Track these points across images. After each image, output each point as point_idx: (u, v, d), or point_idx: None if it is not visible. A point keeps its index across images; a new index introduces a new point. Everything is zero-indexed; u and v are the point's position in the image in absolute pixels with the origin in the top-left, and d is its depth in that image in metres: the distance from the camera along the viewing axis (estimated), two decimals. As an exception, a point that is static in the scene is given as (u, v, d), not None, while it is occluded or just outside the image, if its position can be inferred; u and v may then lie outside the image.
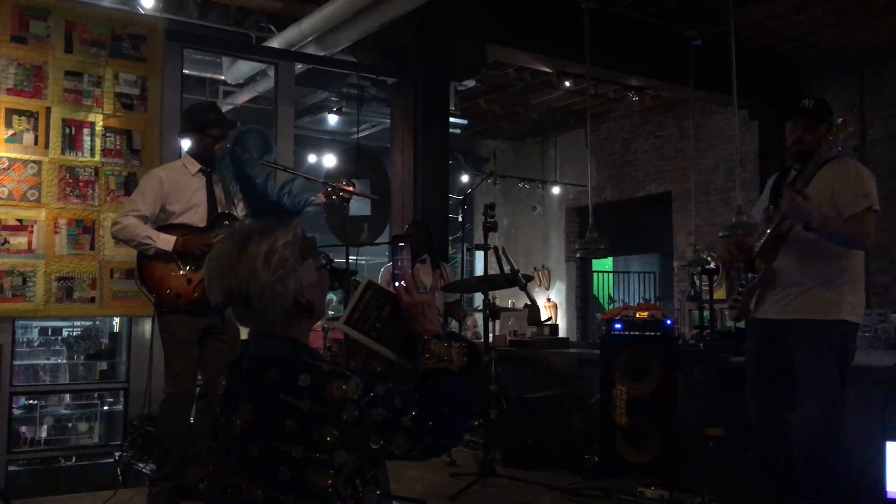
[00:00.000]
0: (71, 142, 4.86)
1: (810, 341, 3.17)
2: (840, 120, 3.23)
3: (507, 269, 4.52)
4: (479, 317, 6.91)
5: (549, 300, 11.85)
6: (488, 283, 4.57)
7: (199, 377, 3.81)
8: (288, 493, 1.46)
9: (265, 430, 1.48)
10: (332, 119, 9.38)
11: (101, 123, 4.95)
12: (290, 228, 1.59)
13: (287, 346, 1.58)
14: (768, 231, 3.29)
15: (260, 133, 1.75)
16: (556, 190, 11.75)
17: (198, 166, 3.79)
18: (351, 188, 4.08)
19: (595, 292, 12.09)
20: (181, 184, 3.75)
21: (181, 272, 3.61)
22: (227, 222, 3.77)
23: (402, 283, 1.73)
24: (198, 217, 3.73)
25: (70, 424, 5.01)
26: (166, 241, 3.60)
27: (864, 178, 3.20)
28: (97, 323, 5.28)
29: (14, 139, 4.69)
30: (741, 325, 4.52)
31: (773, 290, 3.30)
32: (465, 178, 11.77)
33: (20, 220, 4.68)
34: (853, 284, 3.22)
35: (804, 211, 3.09)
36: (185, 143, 4.03)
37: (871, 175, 3.24)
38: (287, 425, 1.46)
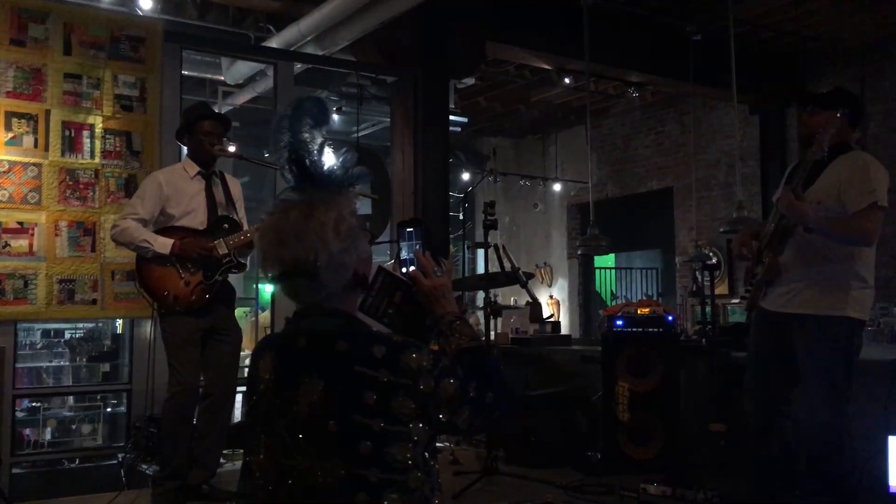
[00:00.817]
0: (71, 144, 4.85)
1: (814, 337, 3.15)
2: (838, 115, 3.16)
3: (507, 266, 4.52)
4: (481, 315, 6.90)
5: (551, 297, 11.85)
6: (489, 281, 4.57)
7: (202, 378, 3.81)
8: (370, 467, 1.43)
9: (342, 404, 1.44)
10: (332, 118, 9.37)
11: (100, 125, 4.94)
12: (350, 198, 1.57)
13: (344, 319, 1.56)
14: (774, 224, 3.25)
15: (320, 101, 1.67)
16: (557, 187, 11.75)
17: (197, 169, 3.79)
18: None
19: (597, 289, 12.08)
20: (180, 187, 3.75)
21: (179, 275, 3.62)
22: (226, 225, 3.79)
23: (414, 268, 1.71)
24: (197, 220, 3.74)
25: (73, 426, 5.01)
26: (164, 244, 3.60)
27: (871, 172, 3.11)
28: (99, 325, 5.28)
29: (14, 142, 4.69)
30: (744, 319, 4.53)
31: (779, 282, 3.27)
32: (465, 176, 11.76)
33: (21, 223, 4.68)
34: (860, 281, 3.16)
35: (799, 213, 3.05)
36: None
37: (881, 169, 3.16)
38: (365, 398, 1.44)
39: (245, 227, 3.85)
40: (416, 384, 1.45)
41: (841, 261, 3.14)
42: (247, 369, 1.67)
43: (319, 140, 1.60)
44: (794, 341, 3.21)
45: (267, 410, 1.51)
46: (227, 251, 3.70)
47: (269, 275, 1.54)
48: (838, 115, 3.16)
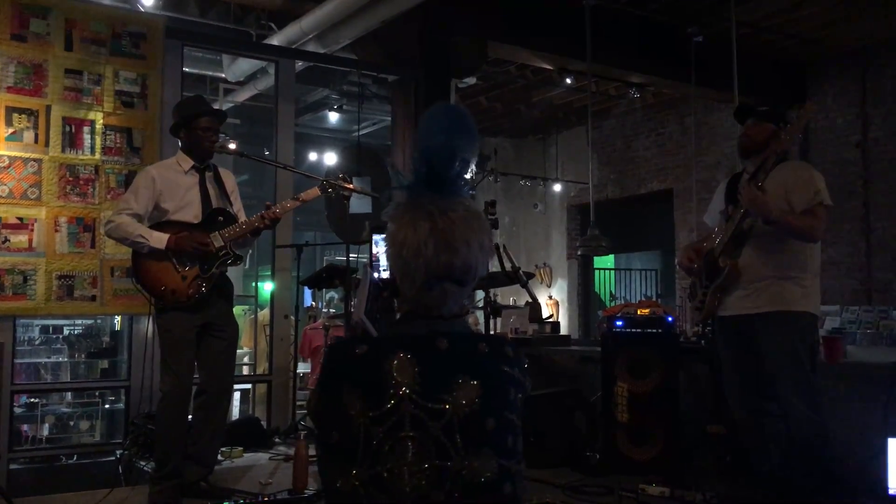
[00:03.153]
0: (71, 140, 4.85)
1: (781, 332, 3.26)
2: (795, 114, 3.35)
3: (507, 266, 4.51)
4: (480, 314, 6.90)
5: (550, 298, 11.85)
6: (489, 281, 4.56)
7: (197, 374, 3.80)
8: (512, 459, 1.50)
9: (496, 402, 1.49)
10: (333, 117, 9.38)
11: (101, 121, 4.94)
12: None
13: (465, 321, 1.62)
14: (731, 230, 3.38)
15: (465, 114, 1.68)
16: (557, 187, 11.75)
17: (191, 163, 3.77)
18: (351, 185, 4.08)
19: (597, 290, 12.09)
20: (174, 181, 3.73)
21: (176, 269, 3.61)
22: (221, 218, 3.76)
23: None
24: (192, 214, 3.72)
25: (71, 423, 5.02)
26: (159, 240, 3.59)
27: (814, 176, 3.32)
28: (98, 321, 5.28)
29: (14, 137, 4.69)
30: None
31: (737, 286, 3.39)
32: (466, 176, 11.74)
33: (20, 219, 4.68)
34: (814, 279, 3.34)
35: (764, 205, 3.20)
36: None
37: (820, 175, 3.36)
38: (511, 395, 1.52)
39: (242, 219, 3.83)
40: (527, 381, 1.58)
41: (796, 258, 3.29)
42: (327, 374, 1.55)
43: (458, 149, 1.60)
44: (762, 340, 3.31)
45: (415, 413, 1.47)
46: (223, 244, 3.69)
47: (421, 279, 1.52)
48: (774, 126, 3.39)
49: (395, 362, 1.48)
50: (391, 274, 1.59)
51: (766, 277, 3.31)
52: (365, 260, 4.83)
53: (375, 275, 1.79)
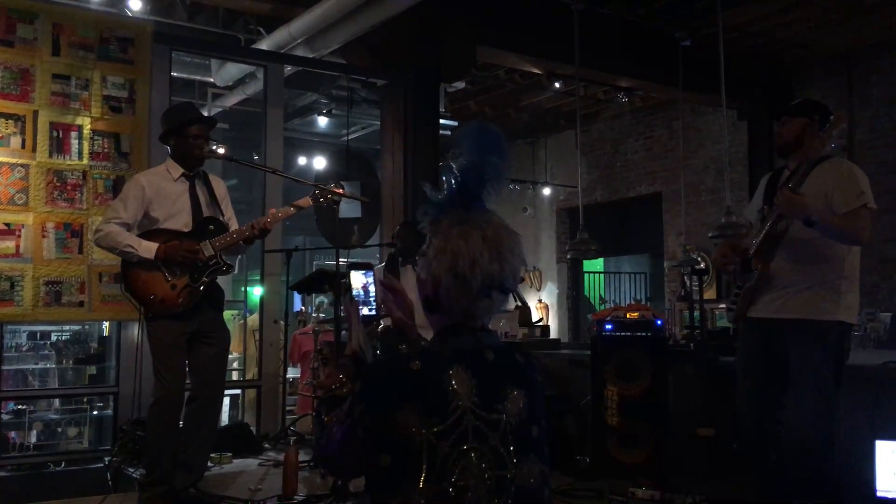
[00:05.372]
0: (59, 145, 4.83)
1: (807, 341, 3.17)
2: (832, 117, 3.23)
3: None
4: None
5: (540, 301, 11.86)
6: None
7: (189, 381, 3.79)
8: (546, 464, 1.60)
9: (537, 410, 1.59)
10: (322, 121, 9.36)
11: (88, 126, 4.92)
12: None
13: (495, 332, 1.70)
14: (764, 231, 3.28)
15: (498, 135, 1.71)
16: (546, 191, 11.77)
17: (181, 171, 3.75)
18: (341, 190, 4.07)
19: (586, 293, 12.11)
20: (164, 189, 3.71)
21: (165, 278, 3.59)
22: (211, 226, 3.74)
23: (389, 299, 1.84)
24: (182, 222, 3.69)
25: (59, 429, 4.98)
26: (148, 249, 3.56)
27: (857, 177, 3.18)
28: (86, 327, 5.25)
29: (1, 143, 4.66)
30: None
31: (768, 290, 3.30)
32: (455, 180, 11.75)
33: (7, 224, 4.65)
34: (849, 285, 3.21)
35: (802, 206, 3.08)
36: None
37: (864, 174, 3.23)
38: (543, 402, 1.62)
39: (234, 227, 3.82)
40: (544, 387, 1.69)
41: (831, 265, 3.18)
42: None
43: (490, 167, 1.65)
44: (787, 346, 3.23)
45: (477, 425, 1.50)
46: (213, 253, 3.67)
47: (476, 289, 1.54)
48: (806, 119, 3.27)
49: (453, 375, 1.51)
50: (430, 288, 1.59)
51: (797, 283, 3.21)
52: (359, 269, 4.79)
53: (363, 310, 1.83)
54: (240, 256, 7.86)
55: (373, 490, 1.53)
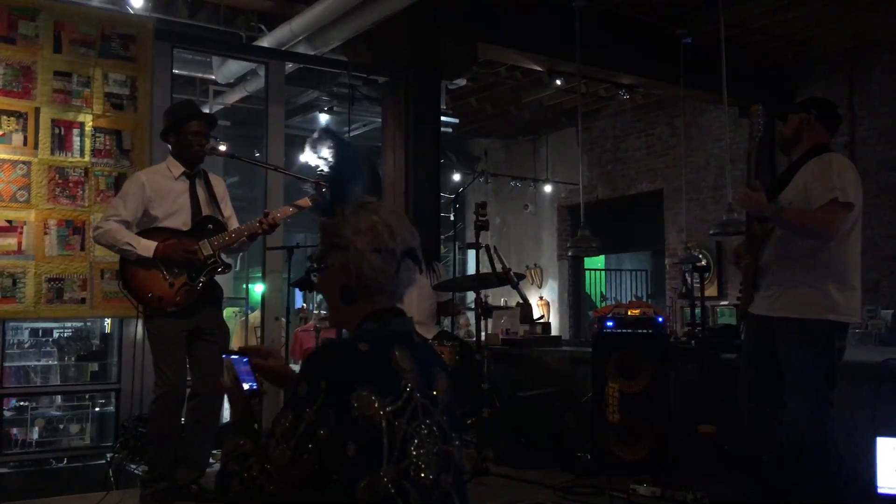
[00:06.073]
0: (60, 142, 4.83)
1: (793, 340, 3.16)
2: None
3: (498, 267, 4.52)
4: (471, 315, 6.91)
5: (541, 298, 11.86)
6: (480, 282, 4.57)
7: (189, 378, 3.80)
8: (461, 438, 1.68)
9: (453, 392, 1.66)
10: (324, 118, 9.36)
11: (90, 124, 4.92)
12: None
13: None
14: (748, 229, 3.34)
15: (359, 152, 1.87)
16: (547, 188, 11.76)
17: (181, 169, 3.75)
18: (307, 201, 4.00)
19: (587, 290, 12.11)
20: (164, 187, 3.71)
21: (163, 276, 3.59)
22: (210, 226, 3.74)
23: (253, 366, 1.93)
24: (181, 221, 3.70)
25: (61, 426, 4.99)
26: (147, 248, 3.56)
27: (834, 170, 3.12)
28: (88, 324, 5.26)
29: (3, 140, 4.67)
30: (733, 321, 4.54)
31: (763, 286, 3.31)
32: (456, 177, 11.76)
33: (9, 221, 4.65)
34: (840, 283, 3.15)
35: (754, 203, 3.16)
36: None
37: (849, 169, 3.18)
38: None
39: (234, 226, 3.82)
40: None
41: (820, 262, 3.15)
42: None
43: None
44: (777, 345, 3.24)
45: (423, 402, 1.56)
46: (211, 252, 3.67)
47: (399, 257, 1.64)
48: (802, 115, 3.31)
49: (398, 355, 1.57)
50: (353, 274, 1.63)
51: (786, 281, 3.20)
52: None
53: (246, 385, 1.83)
54: (241, 254, 7.87)
55: (337, 484, 1.48)
